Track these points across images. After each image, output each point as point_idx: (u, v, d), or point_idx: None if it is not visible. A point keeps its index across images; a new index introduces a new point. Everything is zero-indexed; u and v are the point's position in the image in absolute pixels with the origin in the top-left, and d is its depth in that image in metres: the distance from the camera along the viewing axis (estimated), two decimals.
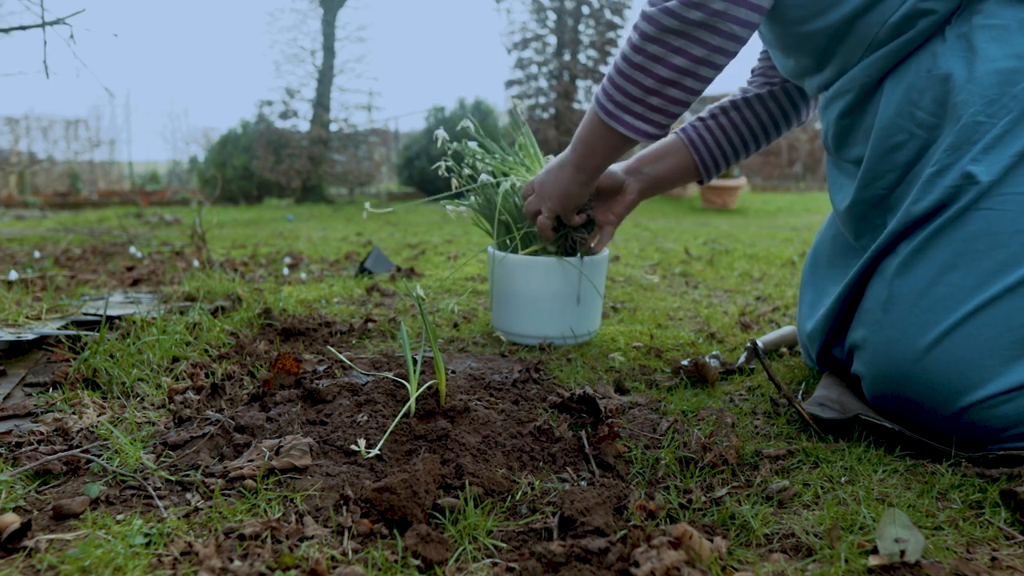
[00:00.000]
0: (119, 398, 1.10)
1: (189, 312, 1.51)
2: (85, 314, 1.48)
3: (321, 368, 1.23)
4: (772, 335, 1.44)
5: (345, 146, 7.68)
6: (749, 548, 0.70)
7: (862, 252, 1.10)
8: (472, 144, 1.55)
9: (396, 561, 0.66)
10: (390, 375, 1.11)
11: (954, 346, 0.84)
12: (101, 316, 1.45)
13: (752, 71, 1.40)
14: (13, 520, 0.68)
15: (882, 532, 0.68)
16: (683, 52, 1.01)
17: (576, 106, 7.62)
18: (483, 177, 1.50)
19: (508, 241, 1.52)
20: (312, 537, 0.69)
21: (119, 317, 1.45)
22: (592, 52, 7.69)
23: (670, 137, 1.43)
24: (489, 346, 1.47)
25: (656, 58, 1.03)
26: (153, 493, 0.78)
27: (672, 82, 1.04)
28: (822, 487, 0.82)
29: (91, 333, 1.32)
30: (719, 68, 1.03)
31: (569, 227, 1.40)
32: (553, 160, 1.32)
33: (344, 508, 0.75)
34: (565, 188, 1.28)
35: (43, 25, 1.99)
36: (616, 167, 1.41)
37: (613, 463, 0.89)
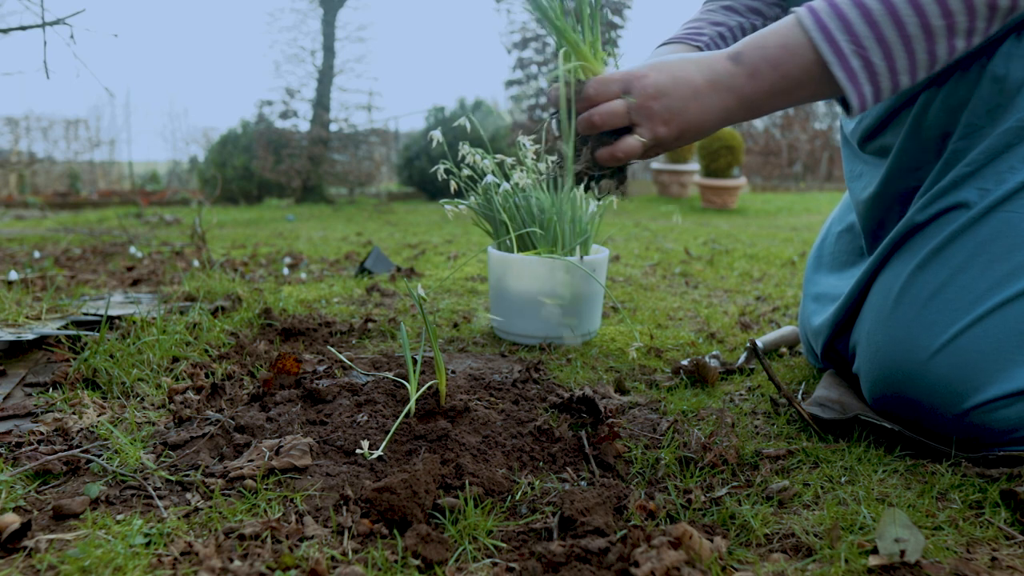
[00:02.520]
0: (119, 398, 1.10)
1: (189, 312, 1.51)
2: (85, 314, 1.48)
3: (321, 368, 1.23)
4: (772, 335, 1.44)
5: (345, 146, 7.68)
6: (749, 548, 0.70)
7: (874, 245, 1.10)
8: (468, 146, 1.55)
9: (396, 561, 0.66)
10: (390, 375, 1.11)
11: (961, 349, 0.84)
12: (101, 316, 1.45)
13: None
14: (13, 520, 0.68)
15: (882, 532, 0.68)
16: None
17: None
18: (488, 178, 1.50)
19: (508, 241, 1.52)
20: (312, 537, 0.69)
21: (119, 317, 1.45)
22: None
23: (688, 50, 1.13)
24: (489, 346, 1.47)
25: None
26: (153, 493, 0.78)
27: (937, 33, 0.78)
28: (822, 487, 0.82)
29: (91, 333, 1.32)
30: (970, 45, 0.81)
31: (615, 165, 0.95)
32: (689, 65, 0.87)
33: (344, 508, 0.75)
34: (710, 119, 0.87)
35: (43, 25, 1.99)
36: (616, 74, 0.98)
37: (613, 463, 0.89)
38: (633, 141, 0.88)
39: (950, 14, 0.76)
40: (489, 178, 1.50)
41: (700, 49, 1.10)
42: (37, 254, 2.68)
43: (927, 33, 0.78)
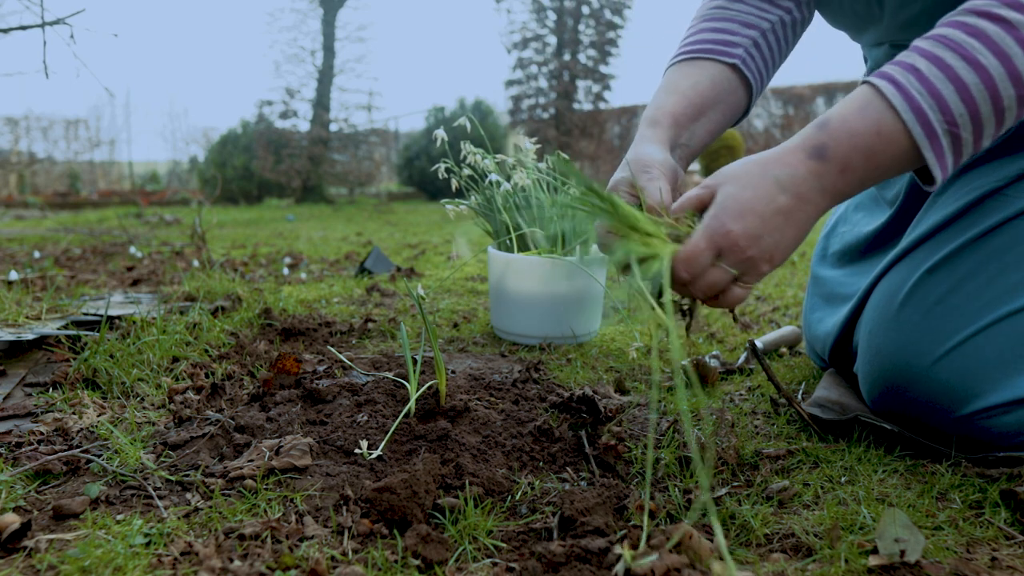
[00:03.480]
0: (119, 398, 1.10)
1: (189, 312, 1.51)
2: (85, 314, 1.48)
3: (321, 368, 1.23)
4: (772, 335, 1.44)
5: (345, 146, 7.69)
6: (749, 548, 0.70)
7: (881, 248, 1.09)
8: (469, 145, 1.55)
9: (396, 561, 0.66)
10: (390, 375, 1.11)
11: (965, 356, 0.83)
12: (101, 316, 1.45)
13: None
14: (13, 520, 0.68)
15: (882, 532, 0.68)
16: None
17: (576, 106, 7.62)
18: (491, 177, 1.50)
19: (508, 241, 1.52)
20: (312, 537, 0.69)
21: (119, 317, 1.45)
22: (592, 52, 7.69)
23: (713, 71, 0.98)
24: (489, 346, 1.47)
25: None
26: (153, 493, 0.78)
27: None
28: (822, 487, 0.82)
29: (91, 333, 1.32)
30: None
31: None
32: (770, 186, 0.74)
33: (344, 508, 0.75)
34: (806, 230, 0.76)
35: (43, 25, 1.99)
36: (653, 149, 0.90)
37: (613, 463, 0.89)
38: (740, 292, 0.78)
39: None
40: (492, 176, 1.50)
41: (736, 68, 0.99)
42: (37, 254, 2.68)
43: (1020, 103, 0.70)
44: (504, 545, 0.70)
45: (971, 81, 0.69)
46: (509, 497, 0.80)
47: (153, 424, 0.99)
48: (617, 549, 0.63)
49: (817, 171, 0.73)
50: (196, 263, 2.37)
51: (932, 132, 0.71)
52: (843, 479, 0.84)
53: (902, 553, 0.65)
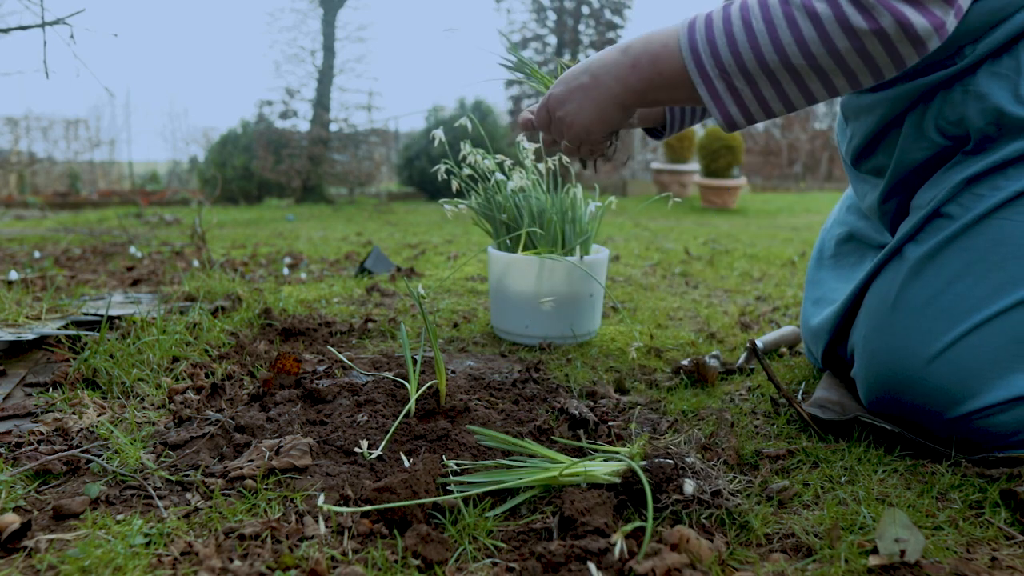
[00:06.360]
0: (119, 398, 1.10)
1: (189, 312, 1.51)
2: (85, 314, 1.48)
3: (321, 368, 1.23)
4: (772, 335, 1.44)
5: (345, 146, 7.68)
6: (749, 548, 0.70)
7: (873, 249, 1.10)
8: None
9: (396, 561, 0.66)
10: (390, 375, 1.11)
11: (957, 356, 0.84)
12: (101, 316, 1.45)
13: None
14: (13, 520, 0.68)
15: (882, 532, 0.68)
16: (846, 37, 0.76)
17: None
18: (497, 175, 1.50)
19: (508, 241, 1.52)
20: (312, 537, 0.69)
21: (119, 317, 1.45)
22: (592, 52, 7.69)
23: None
24: (489, 346, 1.47)
25: (822, 34, 0.77)
26: (153, 493, 0.78)
27: (803, 72, 0.80)
28: (822, 487, 0.82)
29: (91, 333, 1.32)
30: (856, 87, 0.82)
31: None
32: (578, 69, 0.98)
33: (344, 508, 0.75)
34: (603, 107, 0.95)
35: (43, 25, 1.99)
36: None
37: None
38: (565, 144, 1.07)
39: (812, 57, 0.78)
40: (498, 175, 1.50)
41: None
42: (37, 254, 2.68)
43: (790, 71, 0.80)
44: (504, 545, 0.70)
45: (740, 39, 0.81)
46: (509, 497, 0.80)
47: (153, 424, 0.99)
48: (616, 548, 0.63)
49: (617, 60, 0.92)
50: (196, 263, 2.37)
51: (703, 71, 0.84)
52: (843, 479, 0.84)
53: (902, 553, 0.65)
